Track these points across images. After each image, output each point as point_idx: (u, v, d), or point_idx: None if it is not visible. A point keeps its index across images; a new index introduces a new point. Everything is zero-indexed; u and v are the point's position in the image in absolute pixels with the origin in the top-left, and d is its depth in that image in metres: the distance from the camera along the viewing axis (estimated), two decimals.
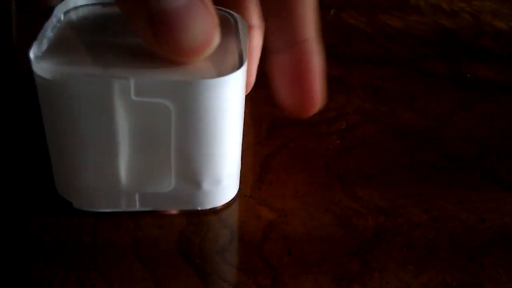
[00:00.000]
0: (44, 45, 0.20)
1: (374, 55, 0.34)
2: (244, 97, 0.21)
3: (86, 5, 0.22)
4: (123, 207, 0.22)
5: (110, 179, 0.21)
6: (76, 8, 0.22)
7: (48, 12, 0.21)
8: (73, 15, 0.22)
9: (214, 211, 0.23)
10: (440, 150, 0.27)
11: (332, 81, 0.32)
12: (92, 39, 0.20)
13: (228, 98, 0.19)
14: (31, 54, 0.19)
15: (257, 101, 0.28)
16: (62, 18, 0.21)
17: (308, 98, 0.22)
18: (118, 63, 0.19)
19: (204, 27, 0.18)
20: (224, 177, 0.22)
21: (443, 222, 0.23)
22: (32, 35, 0.19)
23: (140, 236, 0.22)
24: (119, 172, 0.20)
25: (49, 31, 0.20)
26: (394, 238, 0.22)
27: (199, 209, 0.22)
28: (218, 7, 0.21)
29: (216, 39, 0.18)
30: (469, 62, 0.35)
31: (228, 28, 0.22)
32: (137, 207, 0.22)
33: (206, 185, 0.21)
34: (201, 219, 0.22)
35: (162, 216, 0.22)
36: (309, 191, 0.24)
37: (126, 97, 0.18)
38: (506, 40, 0.39)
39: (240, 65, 0.19)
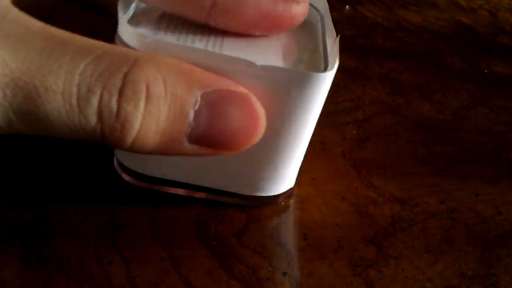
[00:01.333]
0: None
1: (392, 48, 0.34)
2: None
3: None
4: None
5: None
6: None
7: None
8: None
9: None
10: (457, 143, 0.27)
11: (349, 72, 0.32)
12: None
13: (324, 94, 0.19)
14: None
15: None
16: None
17: None
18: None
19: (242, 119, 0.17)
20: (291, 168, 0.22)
21: (459, 213, 0.23)
22: None
23: (157, 217, 0.22)
24: None
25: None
26: (410, 226, 0.22)
27: (258, 195, 0.22)
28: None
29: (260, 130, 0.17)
30: (487, 58, 0.35)
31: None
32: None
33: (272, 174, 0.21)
34: (217, 202, 0.23)
35: (180, 198, 0.23)
36: (325, 179, 0.24)
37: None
38: None
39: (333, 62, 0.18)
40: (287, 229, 0.22)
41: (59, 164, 0.24)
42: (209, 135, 0.16)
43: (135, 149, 0.16)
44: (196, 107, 0.16)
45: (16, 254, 0.20)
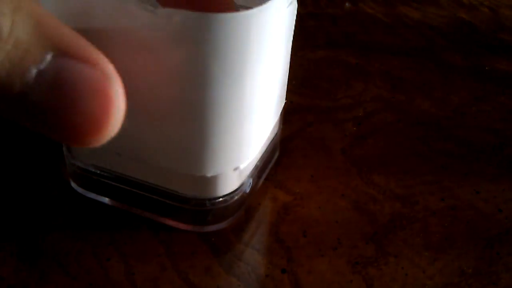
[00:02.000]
0: None
1: (392, 45, 0.34)
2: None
3: None
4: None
5: None
6: None
7: None
8: None
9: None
10: (458, 140, 0.27)
11: (349, 69, 0.32)
12: None
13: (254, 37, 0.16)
14: None
15: None
16: None
17: None
18: None
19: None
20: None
21: (460, 210, 0.23)
22: None
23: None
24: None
25: None
26: (410, 224, 0.22)
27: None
28: None
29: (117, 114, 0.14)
30: (487, 55, 0.35)
31: None
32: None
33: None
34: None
35: None
36: (325, 176, 0.24)
37: None
38: None
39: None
40: (287, 225, 0.22)
41: (57, 158, 0.24)
42: (46, 105, 0.14)
43: None
44: (41, 67, 0.13)
45: (12, 250, 0.20)
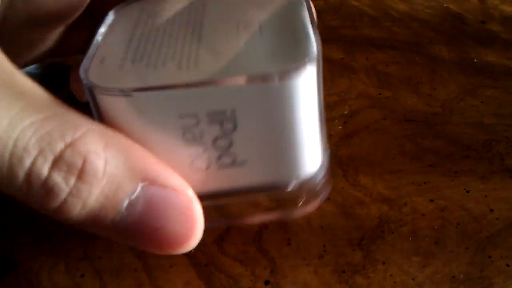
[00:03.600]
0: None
1: (378, 39, 0.33)
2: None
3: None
4: None
5: None
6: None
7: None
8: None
9: None
10: (447, 137, 0.26)
11: (334, 65, 0.31)
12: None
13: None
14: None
15: None
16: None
17: None
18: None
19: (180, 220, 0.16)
20: None
21: (450, 212, 0.22)
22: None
23: None
24: None
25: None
26: (399, 228, 0.21)
27: None
28: None
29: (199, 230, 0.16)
30: (476, 47, 0.34)
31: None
32: None
33: None
34: None
35: None
36: None
37: None
38: None
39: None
40: (270, 234, 0.21)
41: None
42: (138, 229, 0.15)
43: (58, 218, 0.15)
44: (133, 197, 0.15)
45: None
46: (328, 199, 0.22)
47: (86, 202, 0.14)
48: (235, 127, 0.16)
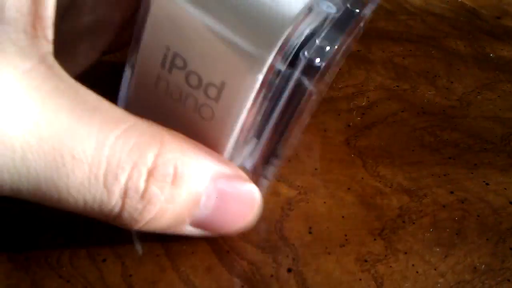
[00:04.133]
0: None
1: (394, 32, 0.33)
2: None
3: None
4: None
5: None
6: None
7: None
8: None
9: None
10: (465, 130, 0.26)
11: (351, 57, 0.31)
12: None
13: None
14: None
15: None
16: None
17: None
18: None
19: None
20: None
21: (470, 204, 0.22)
22: None
23: None
24: None
25: None
26: (420, 219, 0.21)
27: None
28: None
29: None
30: (492, 42, 0.34)
31: None
32: None
33: None
34: None
35: None
36: (329, 169, 0.23)
37: None
38: None
39: None
40: (291, 222, 0.21)
41: None
42: (210, 221, 0.17)
43: (143, 229, 0.16)
44: (208, 192, 0.16)
45: (2, 253, 0.19)
46: (348, 189, 0.22)
47: (175, 206, 0.15)
48: None
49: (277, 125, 0.18)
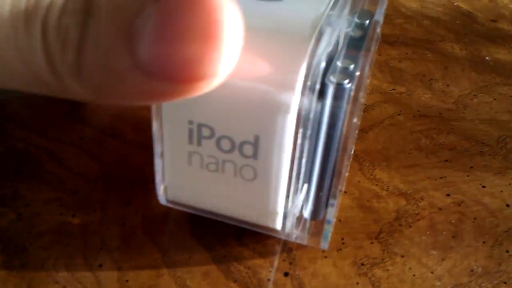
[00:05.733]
0: None
1: (391, 35, 0.33)
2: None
3: None
4: None
5: None
6: None
7: None
8: None
9: None
10: (461, 133, 0.26)
11: None
12: None
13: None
14: None
15: None
16: None
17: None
18: None
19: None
20: None
21: (466, 206, 0.22)
22: None
23: (150, 214, 0.21)
24: None
25: None
26: (416, 222, 0.21)
27: None
28: None
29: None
30: (487, 45, 0.34)
31: None
32: None
33: None
34: None
35: None
36: None
37: None
38: None
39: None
40: None
41: (44, 159, 0.23)
42: (156, 56, 0.12)
43: (79, 75, 0.12)
44: (143, 18, 0.12)
45: None
46: (345, 192, 0.22)
47: (99, 38, 0.12)
48: None
49: (324, 162, 0.17)
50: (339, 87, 0.15)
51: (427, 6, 0.37)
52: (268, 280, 0.19)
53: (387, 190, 0.23)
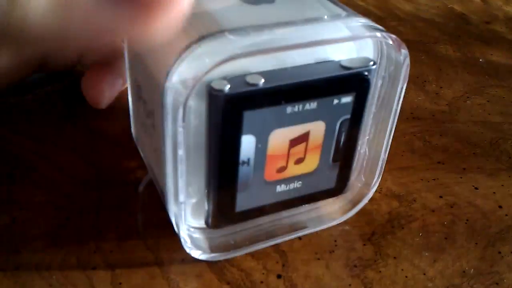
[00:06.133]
0: None
1: None
2: None
3: None
4: None
5: None
6: None
7: None
8: None
9: None
10: (454, 135, 0.26)
11: None
12: None
13: None
14: None
15: None
16: None
17: None
18: None
19: None
20: None
21: (459, 208, 0.22)
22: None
23: (143, 217, 0.21)
24: None
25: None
26: (409, 223, 0.21)
27: None
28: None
29: None
30: (481, 47, 0.34)
31: None
32: None
33: None
34: None
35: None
36: None
37: None
38: None
39: None
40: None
41: (37, 163, 0.23)
42: None
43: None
44: None
45: None
46: None
47: None
48: None
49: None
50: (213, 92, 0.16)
51: (421, 8, 0.37)
52: (261, 282, 0.19)
53: (379, 192, 0.23)
